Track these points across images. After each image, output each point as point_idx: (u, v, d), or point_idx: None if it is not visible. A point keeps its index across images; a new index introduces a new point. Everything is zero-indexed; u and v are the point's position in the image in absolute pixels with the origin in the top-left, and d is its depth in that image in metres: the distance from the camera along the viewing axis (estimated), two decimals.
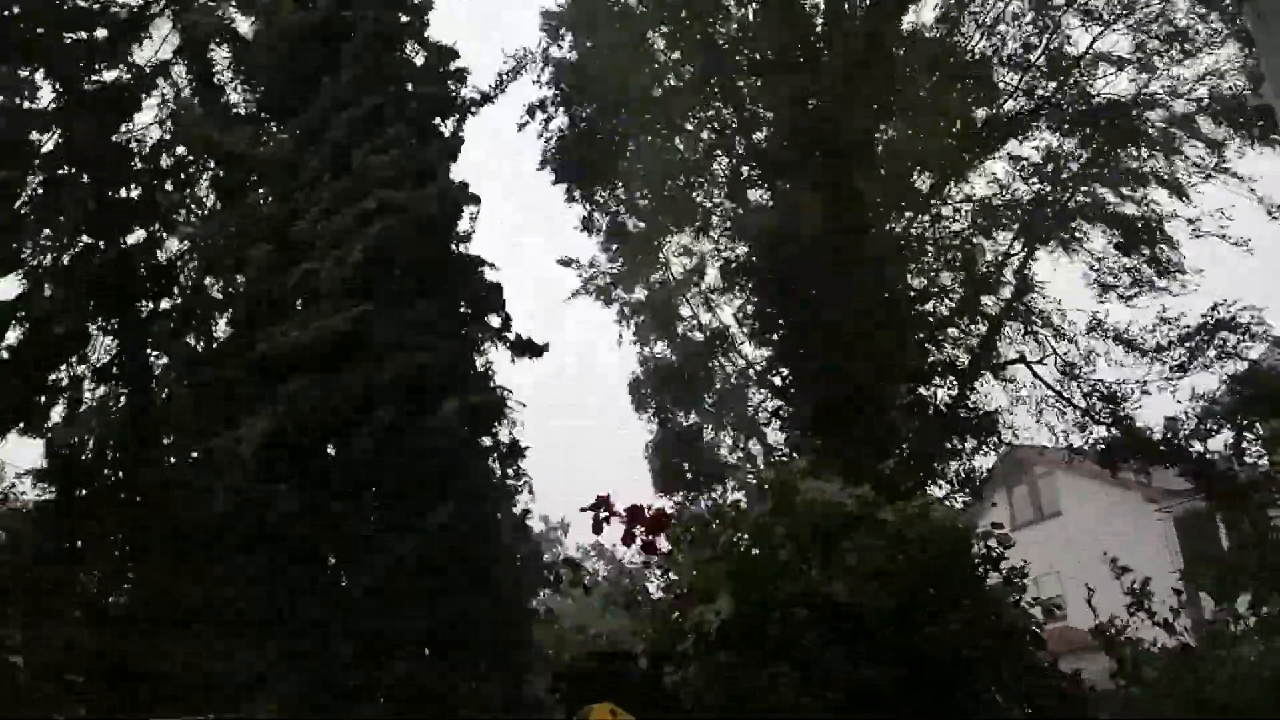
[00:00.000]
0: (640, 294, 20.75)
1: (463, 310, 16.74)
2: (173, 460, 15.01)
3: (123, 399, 15.09)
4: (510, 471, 16.28)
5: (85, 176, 15.49)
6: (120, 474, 14.73)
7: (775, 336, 18.86)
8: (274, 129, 17.17)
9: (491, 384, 16.53)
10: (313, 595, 13.44)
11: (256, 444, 13.38)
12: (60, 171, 15.67)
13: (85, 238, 15.50)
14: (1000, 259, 18.82)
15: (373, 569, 13.32)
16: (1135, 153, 18.12)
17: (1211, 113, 17.44)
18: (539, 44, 19.70)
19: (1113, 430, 17.67)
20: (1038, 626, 7.24)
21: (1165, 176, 17.91)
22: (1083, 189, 18.52)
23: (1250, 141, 17.12)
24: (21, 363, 14.44)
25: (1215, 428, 16.27)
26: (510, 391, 16.57)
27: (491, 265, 17.21)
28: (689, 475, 19.29)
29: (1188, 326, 17.06)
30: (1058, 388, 18.26)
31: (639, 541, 7.36)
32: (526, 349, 16.76)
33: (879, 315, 16.57)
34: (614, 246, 20.61)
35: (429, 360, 14.45)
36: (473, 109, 17.69)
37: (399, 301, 14.85)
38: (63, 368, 15.05)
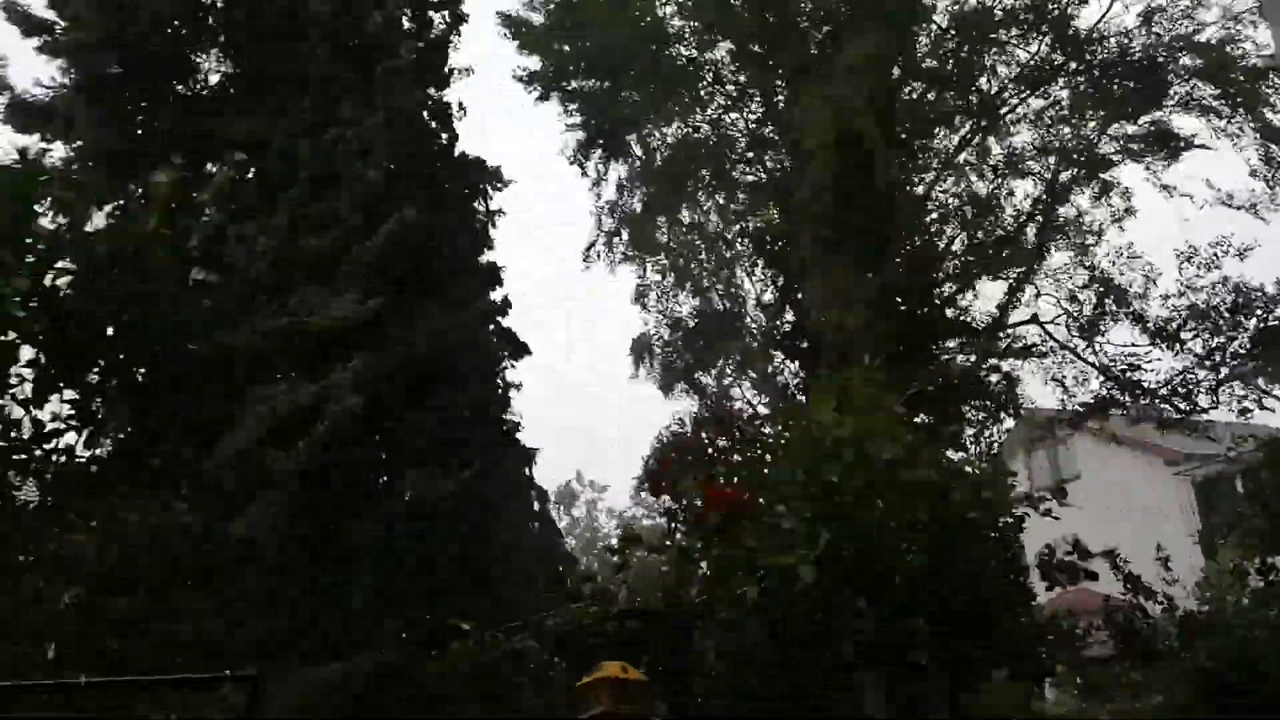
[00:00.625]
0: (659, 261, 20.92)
1: (465, 299, 15.91)
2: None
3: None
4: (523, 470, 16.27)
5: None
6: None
7: (796, 299, 18.92)
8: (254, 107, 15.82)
9: (499, 373, 16.39)
10: (313, 595, 12.93)
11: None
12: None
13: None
14: (1021, 218, 18.72)
15: (373, 568, 12.93)
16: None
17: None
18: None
19: (1118, 386, 17.62)
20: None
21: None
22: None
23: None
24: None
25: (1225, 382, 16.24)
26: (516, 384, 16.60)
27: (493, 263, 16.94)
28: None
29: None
30: (1071, 344, 18.23)
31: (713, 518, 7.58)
32: (517, 349, 16.66)
33: (902, 282, 16.59)
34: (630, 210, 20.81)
35: (432, 351, 14.08)
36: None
37: (402, 291, 14.22)
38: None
